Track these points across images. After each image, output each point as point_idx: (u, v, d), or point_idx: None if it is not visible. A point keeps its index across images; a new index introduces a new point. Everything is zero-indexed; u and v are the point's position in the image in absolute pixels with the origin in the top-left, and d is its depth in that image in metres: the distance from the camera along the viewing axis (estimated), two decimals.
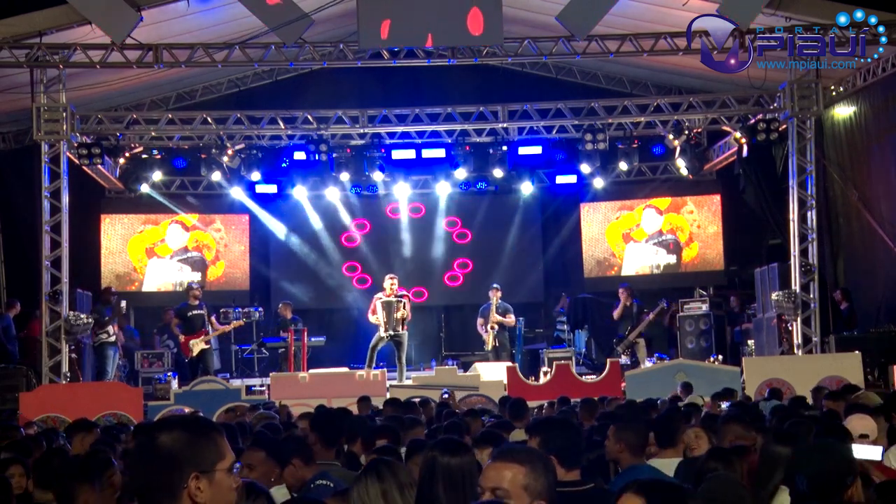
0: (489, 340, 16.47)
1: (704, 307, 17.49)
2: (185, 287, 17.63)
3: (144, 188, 18.23)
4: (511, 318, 16.73)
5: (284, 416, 9.88)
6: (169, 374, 16.04)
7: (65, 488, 4.68)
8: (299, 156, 17.77)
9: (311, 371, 15.39)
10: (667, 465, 5.30)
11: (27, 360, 15.66)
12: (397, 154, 17.88)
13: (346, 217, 19.90)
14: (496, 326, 16.47)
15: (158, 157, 18.00)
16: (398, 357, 15.73)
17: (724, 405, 9.79)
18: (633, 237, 20.18)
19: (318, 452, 5.65)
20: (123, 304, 17.73)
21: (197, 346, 16.03)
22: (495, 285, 17.15)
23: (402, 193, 19.56)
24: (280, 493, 4.95)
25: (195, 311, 16.23)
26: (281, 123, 17.04)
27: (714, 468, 4.34)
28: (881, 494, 3.53)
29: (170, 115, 17.08)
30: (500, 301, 16.69)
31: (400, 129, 17.37)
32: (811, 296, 15.49)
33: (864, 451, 4.48)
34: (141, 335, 18.46)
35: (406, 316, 15.71)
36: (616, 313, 17.20)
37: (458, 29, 13.83)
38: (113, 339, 16.10)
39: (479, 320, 16.77)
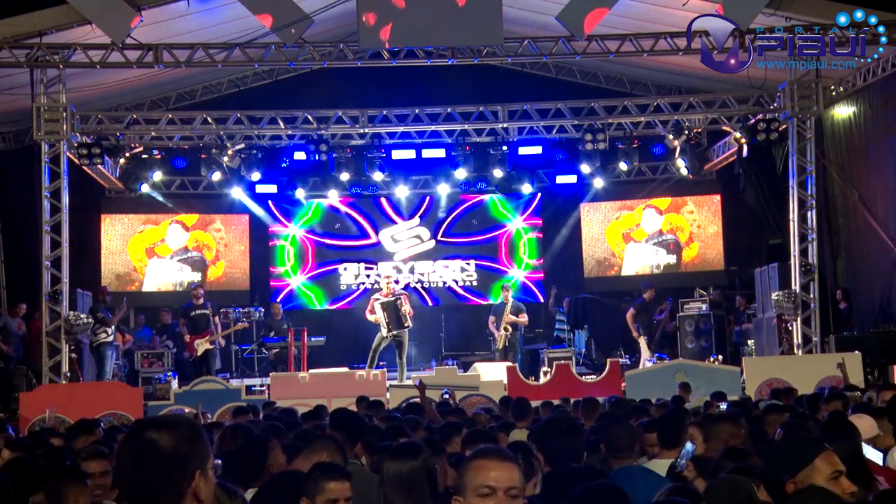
0: (501, 340, 16.45)
1: (704, 307, 17.49)
2: (187, 287, 17.68)
3: (144, 188, 18.24)
4: (524, 318, 16.74)
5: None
6: (169, 374, 16.04)
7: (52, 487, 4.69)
8: (299, 156, 17.78)
9: (311, 371, 15.39)
10: (667, 466, 5.28)
11: (26, 360, 15.66)
12: (397, 154, 17.90)
13: (345, 217, 19.93)
14: (510, 327, 16.46)
15: (158, 157, 18.00)
16: (399, 357, 15.73)
17: (723, 405, 9.78)
18: (633, 237, 20.18)
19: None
20: (124, 300, 17.60)
21: (202, 346, 16.10)
22: (506, 285, 17.14)
23: (402, 194, 19.57)
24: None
25: (199, 311, 16.30)
26: (281, 123, 17.04)
27: (727, 468, 4.33)
28: None
29: (170, 115, 17.07)
30: (513, 300, 16.70)
31: (400, 129, 17.37)
32: (811, 296, 15.48)
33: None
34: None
35: (409, 311, 15.75)
36: (630, 315, 17.23)
37: (456, 27, 13.90)
38: (111, 339, 16.09)
39: (491, 318, 16.78)
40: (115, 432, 7.90)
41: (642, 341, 17.06)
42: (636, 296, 18.44)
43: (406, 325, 15.61)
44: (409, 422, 7.19)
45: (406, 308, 15.70)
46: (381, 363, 15.90)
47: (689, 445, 4.81)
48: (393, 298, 15.73)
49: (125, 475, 2.50)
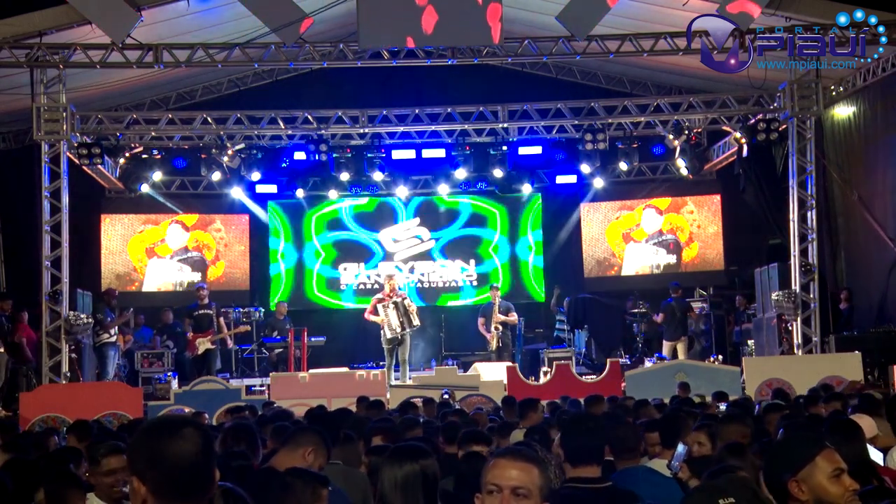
0: (493, 341, 16.42)
1: (705, 307, 17.48)
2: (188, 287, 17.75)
3: (144, 188, 18.24)
4: (514, 317, 16.71)
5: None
6: (169, 374, 16.05)
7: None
8: (299, 156, 17.78)
9: (311, 371, 15.39)
10: None
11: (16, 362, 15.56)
12: (397, 154, 17.88)
13: (345, 217, 19.94)
14: (500, 327, 16.43)
15: (158, 157, 18.00)
16: (401, 355, 15.70)
17: (723, 405, 9.79)
18: (633, 237, 20.18)
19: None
20: (130, 310, 17.53)
21: (203, 344, 16.12)
22: (495, 284, 17.14)
23: (402, 194, 19.57)
24: None
25: (203, 311, 16.35)
26: (281, 123, 17.04)
27: (727, 462, 4.33)
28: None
29: (170, 115, 17.08)
30: (500, 300, 16.68)
31: (400, 129, 17.37)
32: (811, 296, 15.48)
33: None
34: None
35: (415, 309, 15.82)
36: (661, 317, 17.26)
37: (460, 27, 13.96)
38: (114, 339, 16.09)
39: (480, 320, 16.75)
40: (109, 434, 7.84)
41: (684, 344, 17.00)
42: (640, 296, 18.42)
43: (415, 323, 15.68)
44: (406, 421, 7.18)
45: (412, 307, 15.79)
46: (380, 363, 15.91)
47: (681, 447, 4.81)
48: (401, 298, 15.77)
49: (167, 470, 2.45)
